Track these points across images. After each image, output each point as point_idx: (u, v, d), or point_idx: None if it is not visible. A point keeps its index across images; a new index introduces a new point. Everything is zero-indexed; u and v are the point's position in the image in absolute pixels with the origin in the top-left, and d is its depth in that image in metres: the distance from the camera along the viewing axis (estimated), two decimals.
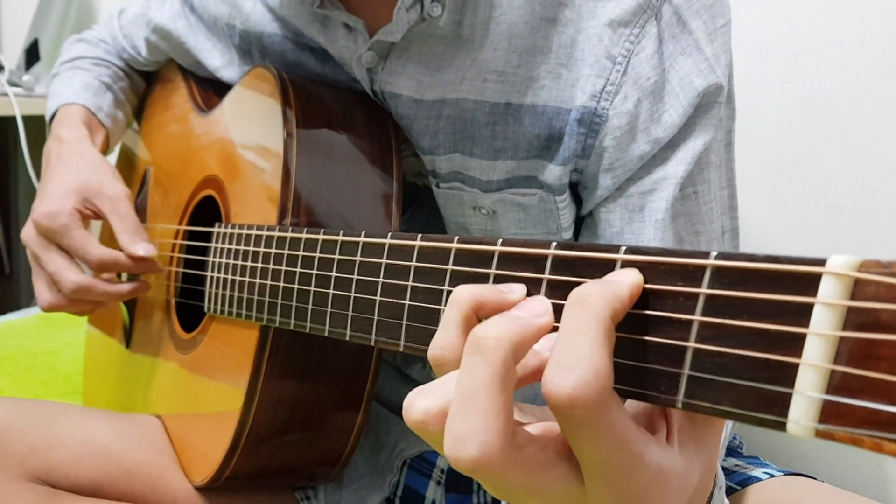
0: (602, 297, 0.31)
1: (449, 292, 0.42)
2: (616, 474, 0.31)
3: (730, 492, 0.69)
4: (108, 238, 1.02)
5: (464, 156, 0.68)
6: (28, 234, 0.79)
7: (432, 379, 0.87)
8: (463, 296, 0.35)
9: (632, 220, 0.66)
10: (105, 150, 0.92)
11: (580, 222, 0.71)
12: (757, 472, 0.70)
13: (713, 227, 0.68)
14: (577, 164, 0.66)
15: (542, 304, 0.35)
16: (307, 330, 0.57)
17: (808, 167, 1.05)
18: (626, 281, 0.32)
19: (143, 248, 0.76)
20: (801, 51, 1.04)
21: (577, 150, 0.65)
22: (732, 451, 0.77)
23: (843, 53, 1.01)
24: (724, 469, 0.72)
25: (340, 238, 0.53)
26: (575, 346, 0.30)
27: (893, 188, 0.99)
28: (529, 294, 0.36)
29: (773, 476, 0.69)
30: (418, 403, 0.33)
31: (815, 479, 0.68)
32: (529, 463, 0.31)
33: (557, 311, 0.35)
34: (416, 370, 0.81)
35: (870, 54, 0.99)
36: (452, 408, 0.31)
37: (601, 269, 0.34)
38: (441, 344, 0.35)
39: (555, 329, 0.34)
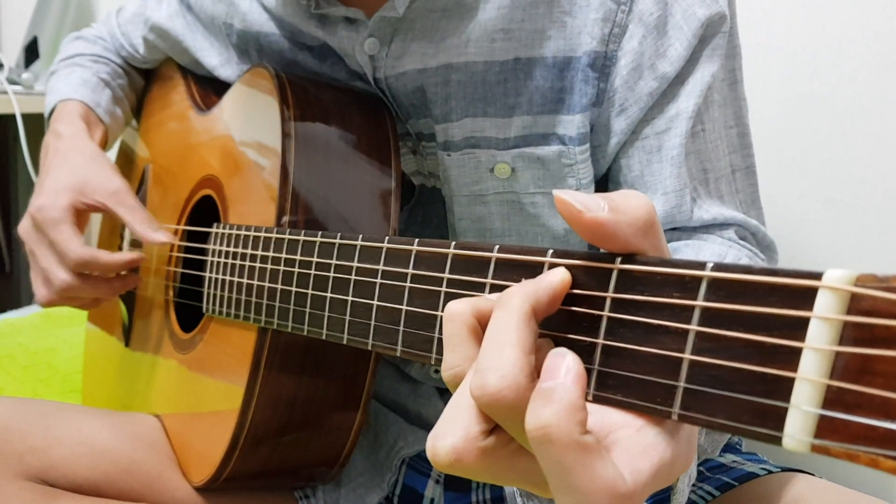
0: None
1: (446, 295, 0.42)
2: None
3: (728, 488, 0.69)
4: (108, 231, 1.02)
5: (476, 118, 0.68)
6: (24, 228, 0.79)
7: (432, 378, 0.87)
8: (462, 308, 0.35)
9: (650, 161, 0.68)
10: (104, 146, 0.92)
11: (598, 188, 0.72)
12: (755, 468, 0.70)
13: (720, 164, 0.70)
14: (590, 116, 0.67)
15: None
16: (305, 333, 0.57)
17: (806, 163, 1.05)
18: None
19: (163, 235, 0.76)
20: (800, 47, 1.04)
21: (592, 96, 0.66)
22: (730, 447, 0.77)
23: (842, 49, 1.01)
24: (721, 465, 0.72)
25: (338, 241, 0.52)
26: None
27: (892, 184, 0.99)
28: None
29: (771, 472, 0.69)
30: (441, 446, 0.33)
31: (813, 475, 0.68)
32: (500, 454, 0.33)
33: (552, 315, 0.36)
34: (415, 369, 0.81)
35: (869, 50, 0.99)
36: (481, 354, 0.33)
37: (597, 275, 0.34)
38: (455, 362, 0.35)
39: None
